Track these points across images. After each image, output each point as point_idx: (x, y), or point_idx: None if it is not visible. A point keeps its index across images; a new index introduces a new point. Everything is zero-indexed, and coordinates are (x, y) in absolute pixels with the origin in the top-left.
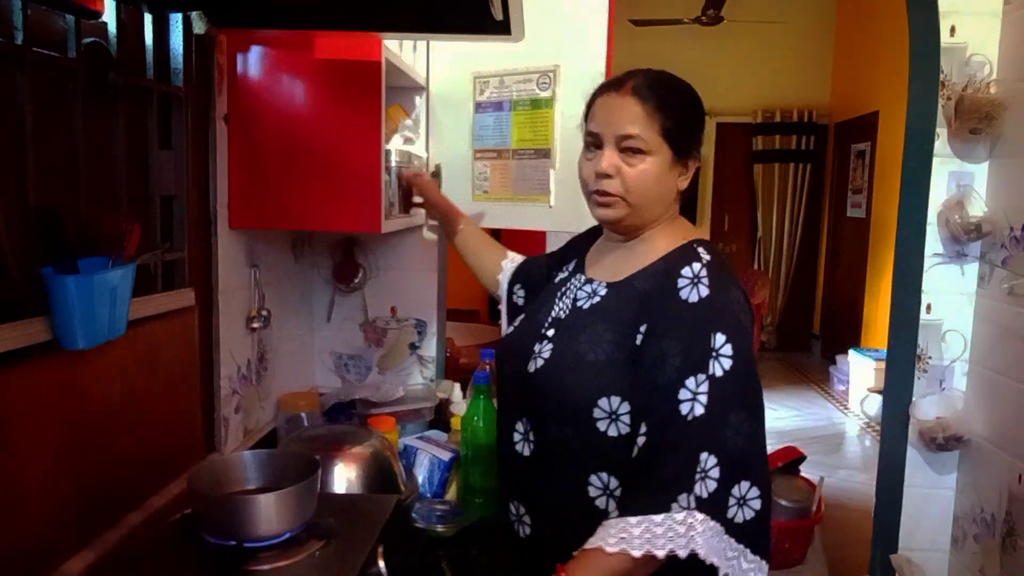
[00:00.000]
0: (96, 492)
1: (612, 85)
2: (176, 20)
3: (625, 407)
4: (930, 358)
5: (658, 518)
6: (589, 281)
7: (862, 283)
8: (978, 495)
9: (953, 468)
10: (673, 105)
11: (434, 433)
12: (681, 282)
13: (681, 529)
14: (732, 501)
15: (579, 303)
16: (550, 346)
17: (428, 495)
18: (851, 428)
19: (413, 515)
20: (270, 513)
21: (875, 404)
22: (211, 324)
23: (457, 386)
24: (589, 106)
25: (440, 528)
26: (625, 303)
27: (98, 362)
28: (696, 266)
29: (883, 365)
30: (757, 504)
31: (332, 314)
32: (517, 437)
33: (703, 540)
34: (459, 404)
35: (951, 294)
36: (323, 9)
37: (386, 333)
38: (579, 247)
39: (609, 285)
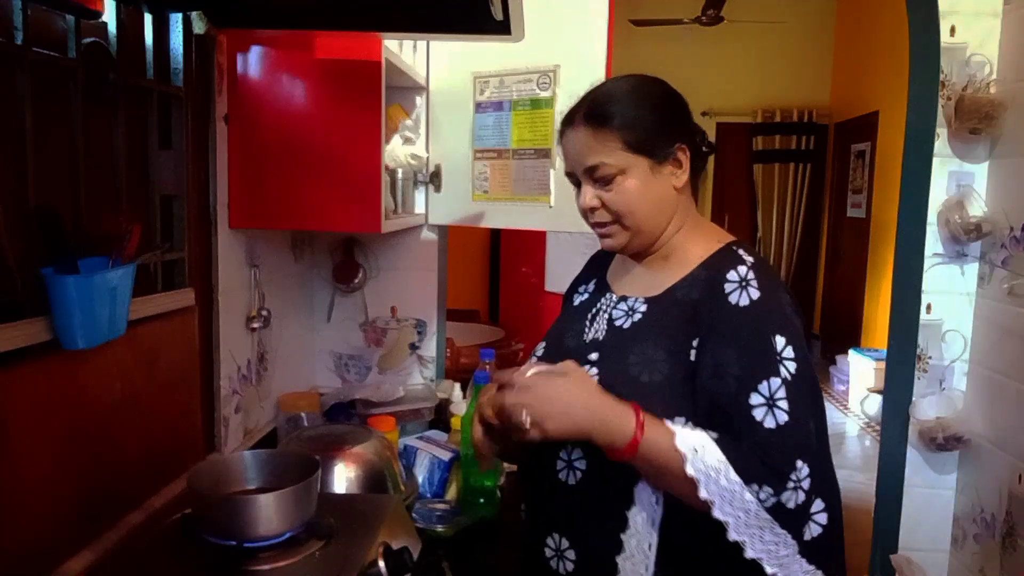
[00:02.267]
0: (96, 492)
1: (566, 120)
2: (176, 20)
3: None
4: (930, 358)
5: (735, 477)
6: (623, 299)
7: (862, 283)
8: (978, 495)
9: (953, 468)
10: (632, 114)
11: (434, 433)
12: (728, 287)
13: (755, 521)
14: (807, 519)
15: (617, 323)
16: (595, 371)
17: (428, 495)
18: (851, 428)
19: (413, 515)
20: (270, 513)
21: (875, 404)
22: (211, 324)
23: (457, 386)
24: (562, 145)
25: (440, 528)
26: (672, 317)
27: (98, 362)
28: (742, 269)
29: (883, 365)
30: (824, 519)
31: (332, 314)
32: (560, 465)
33: (777, 558)
34: (459, 404)
35: (951, 294)
36: (323, 9)
37: (386, 333)
38: (597, 265)
39: (648, 300)
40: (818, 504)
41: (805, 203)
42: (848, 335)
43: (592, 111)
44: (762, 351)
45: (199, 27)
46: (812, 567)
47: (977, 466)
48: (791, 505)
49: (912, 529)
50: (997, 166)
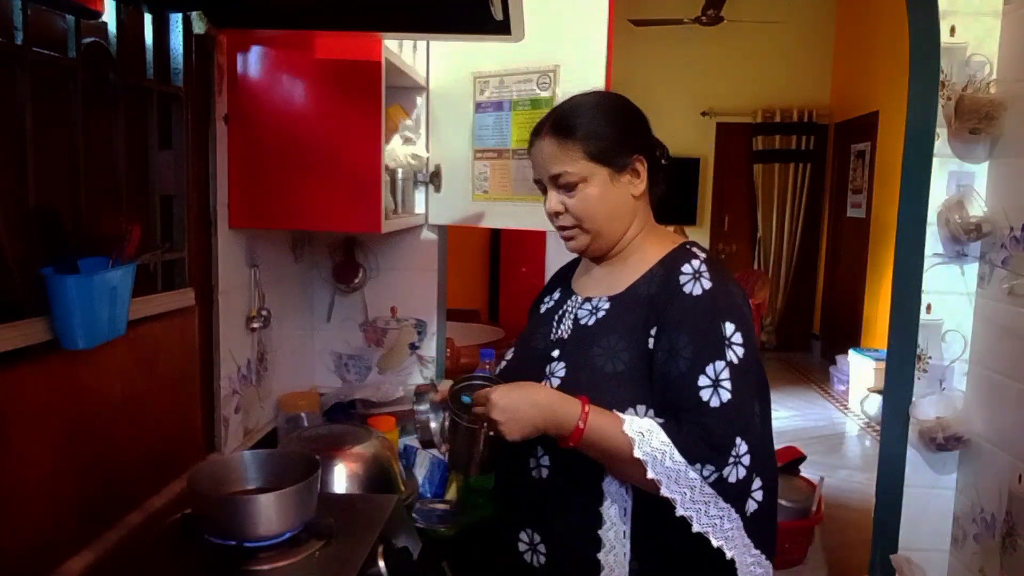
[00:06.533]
0: (96, 492)
1: (535, 132)
2: (176, 20)
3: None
4: (930, 358)
5: (679, 457)
6: (588, 300)
7: (862, 283)
8: (978, 495)
9: (953, 468)
10: (592, 127)
11: None
12: (683, 278)
13: (700, 497)
14: (748, 495)
15: (582, 321)
16: (562, 364)
17: (428, 495)
18: (851, 428)
19: (413, 515)
20: (270, 513)
21: (875, 404)
22: (211, 324)
23: None
24: (531, 155)
25: (440, 528)
26: (633, 311)
27: (98, 362)
28: (695, 263)
29: (883, 365)
30: (760, 496)
31: (332, 314)
32: (532, 462)
33: (722, 531)
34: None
35: (951, 294)
36: (323, 9)
37: (386, 333)
38: (561, 276)
39: (611, 298)
40: (756, 482)
41: (805, 203)
42: (848, 335)
43: (558, 123)
44: (712, 336)
45: (199, 27)
46: (758, 552)
47: (977, 466)
48: (732, 480)
49: (912, 529)
50: (997, 166)
